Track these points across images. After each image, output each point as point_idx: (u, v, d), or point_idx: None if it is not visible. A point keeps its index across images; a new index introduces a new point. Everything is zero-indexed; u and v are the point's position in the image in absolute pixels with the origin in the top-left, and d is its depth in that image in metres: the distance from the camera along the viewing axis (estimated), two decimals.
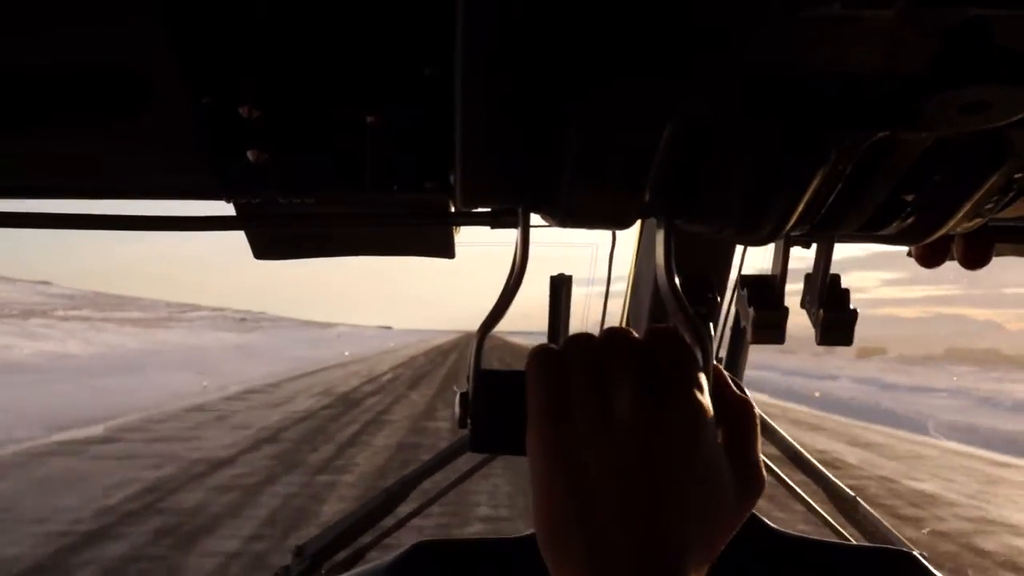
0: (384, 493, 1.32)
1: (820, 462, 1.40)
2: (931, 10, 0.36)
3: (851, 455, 10.44)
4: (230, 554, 5.51)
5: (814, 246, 0.71)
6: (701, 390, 0.48)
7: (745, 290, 0.74)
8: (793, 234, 0.61)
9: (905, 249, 0.71)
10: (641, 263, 1.24)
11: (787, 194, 0.51)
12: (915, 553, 1.04)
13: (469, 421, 0.51)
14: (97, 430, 11.21)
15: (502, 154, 0.50)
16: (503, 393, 0.50)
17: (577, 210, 0.55)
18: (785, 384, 22.58)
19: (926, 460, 10.58)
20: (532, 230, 0.58)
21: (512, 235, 0.59)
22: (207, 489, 7.50)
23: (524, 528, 0.91)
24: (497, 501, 6.93)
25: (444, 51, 0.43)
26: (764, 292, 0.73)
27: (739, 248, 1.11)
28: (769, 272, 0.75)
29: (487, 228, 0.68)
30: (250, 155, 0.52)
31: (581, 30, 0.39)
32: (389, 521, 1.31)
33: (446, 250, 0.81)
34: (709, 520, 0.46)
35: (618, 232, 1.19)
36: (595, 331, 0.52)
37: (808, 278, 0.73)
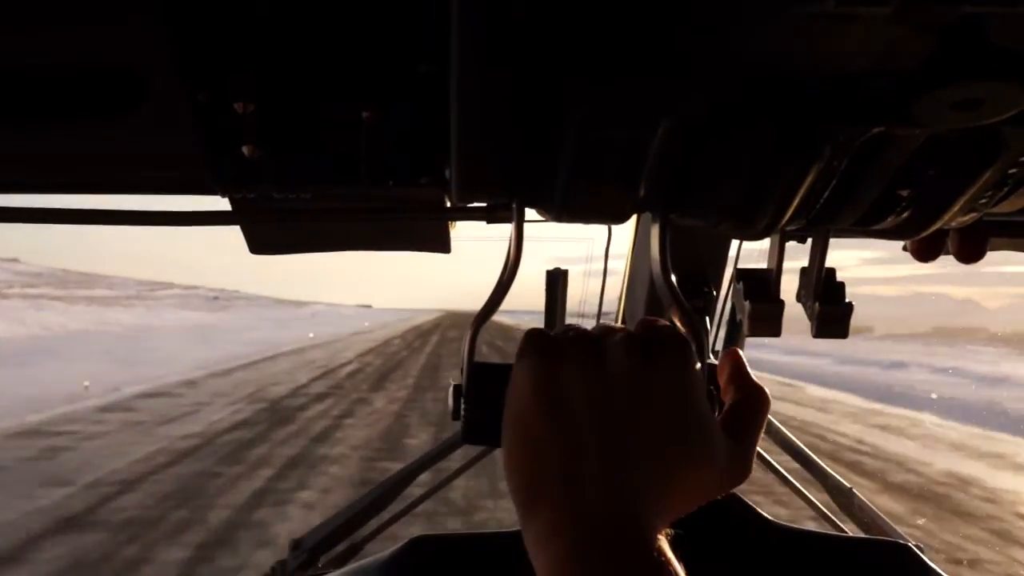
0: (381, 487, 1.33)
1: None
2: (925, 7, 0.36)
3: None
4: None
5: (809, 240, 0.72)
6: (693, 364, 0.48)
7: (741, 284, 0.74)
8: (788, 229, 0.62)
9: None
10: (637, 258, 1.24)
11: (782, 189, 0.51)
12: (911, 545, 1.05)
13: (462, 413, 0.52)
14: None
15: (497, 150, 0.50)
16: (496, 385, 0.50)
17: (572, 205, 0.55)
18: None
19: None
20: (527, 221, 0.58)
21: (505, 229, 0.59)
22: None
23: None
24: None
25: (439, 47, 0.43)
26: (760, 286, 0.73)
27: (735, 242, 1.12)
28: (765, 266, 0.75)
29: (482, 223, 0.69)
30: (245, 150, 0.52)
31: (575, 27, 0.39)
32: (386, 515, 1.32)
33: (441, 245, 0.81)
34: (687, 483, 0.45)
35: (614, 227, 1.20)
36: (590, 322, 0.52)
37: (804, 272, 0.73)
